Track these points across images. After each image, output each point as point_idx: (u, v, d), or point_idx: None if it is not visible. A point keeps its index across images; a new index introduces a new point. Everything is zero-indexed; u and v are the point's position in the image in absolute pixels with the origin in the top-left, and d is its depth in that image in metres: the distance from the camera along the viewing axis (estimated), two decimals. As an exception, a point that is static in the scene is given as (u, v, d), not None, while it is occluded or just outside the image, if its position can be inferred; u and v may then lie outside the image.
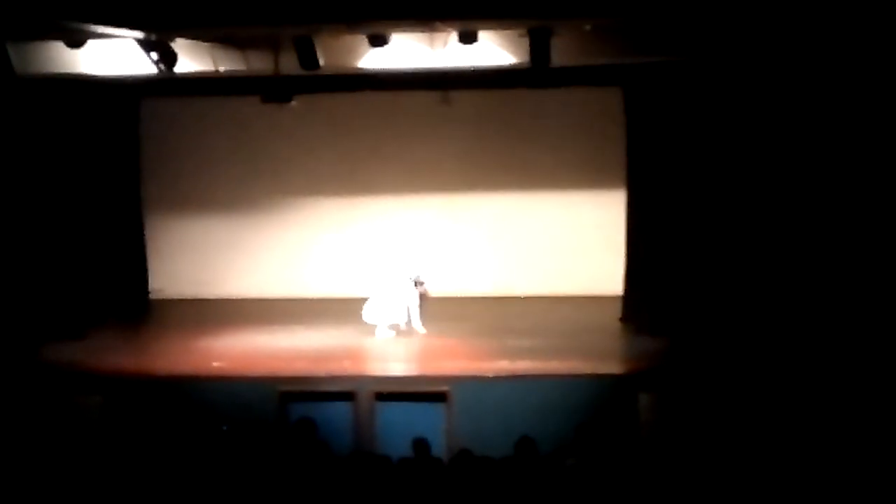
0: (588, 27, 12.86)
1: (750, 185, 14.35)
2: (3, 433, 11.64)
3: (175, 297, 17.64)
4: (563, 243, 17.23)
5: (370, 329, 14.91)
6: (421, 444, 9.95)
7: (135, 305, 17.13)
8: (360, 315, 14.87)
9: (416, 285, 14.78)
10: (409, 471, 9.66)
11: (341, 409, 12.51)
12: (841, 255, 13.46)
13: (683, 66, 13.86)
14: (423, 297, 14.80)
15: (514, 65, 13.36)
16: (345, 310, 16.20)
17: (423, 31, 13.00)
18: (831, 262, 13.68)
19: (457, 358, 13.56)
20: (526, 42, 12.75)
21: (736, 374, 12.33)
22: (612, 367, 13.23)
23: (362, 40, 13.02)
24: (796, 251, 14.01)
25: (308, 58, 12.89)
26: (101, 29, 11.92)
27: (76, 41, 13.01)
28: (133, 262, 17.42)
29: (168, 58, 12.96)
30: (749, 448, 10.65)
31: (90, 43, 13.05)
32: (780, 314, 13.67)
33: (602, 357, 13.52)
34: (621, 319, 15.46)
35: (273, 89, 13.95)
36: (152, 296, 17.74)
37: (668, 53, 13.26)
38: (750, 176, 14.35)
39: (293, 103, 14.21)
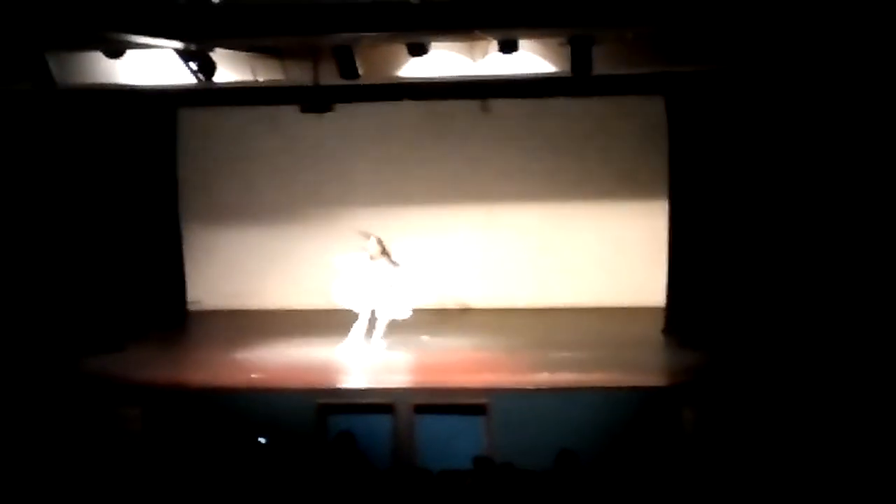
0: (630, 35, 12.74)
1: (794, 196, 14.22)
2: (45, 445, 11.66)
3: (213, 308, 17.62)
4: (604, 254, 17.07)
5: (411, 340, 14.85)
6: (483, 462, 9.84)
7: (173, 317, 17.12)
8: (398, 326, 14.79)
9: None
10: (447, 484, 9.57)
11: (380, 421, 12.43)
12: (891, 269, 13.29)
13: (726, 74, 13.74)
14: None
15: (555, 73, 13.27)
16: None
17: (463, 41, 12.93)
18: (880, 276, 13.52)
19: (497, 370, 13.46)
20: (567, 51, 12.65)
21: (782, 388, 12.15)
22: (655, 380, 13.09)
23: (402, 49, 12.97)
24: (843, 264, 13.85)
25: (347, 67, 12.83)
26: (140, 39, 11.91)
27: (116, 51, 13.02)
28: (171, 273, 17.41)
29: (207, 68, 12.94)
30: (796, 464, 10.50)
31: (129, 53, 13.06)
32: (827, 326, 13.49)
33: (644, 370, 13.37)
34: (664, 331, 15.28)
35: (312, 99, 13.92)
36: (190, 307, 17.73)
37: (710, 62, 13.14)
38: (794, 187, 14.21)
39: (332, 113, 14.17)
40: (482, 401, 12.42)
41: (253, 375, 13.48)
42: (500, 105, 16.23)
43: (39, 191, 15.35)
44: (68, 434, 12.13)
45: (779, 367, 12.83)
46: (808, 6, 11.50)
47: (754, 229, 14.43)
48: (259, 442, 11.01)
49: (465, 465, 9.92)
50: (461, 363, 14.00)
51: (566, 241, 17.33)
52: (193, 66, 12.87)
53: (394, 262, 14.53)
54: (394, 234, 17.32)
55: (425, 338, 15.14)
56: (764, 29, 12.34)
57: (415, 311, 16.20)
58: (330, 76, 13.26)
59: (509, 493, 9.24)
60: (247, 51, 13.43)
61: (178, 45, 12.41)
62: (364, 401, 12.57)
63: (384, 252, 14.51)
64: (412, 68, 13.34)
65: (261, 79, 13.75)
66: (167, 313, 16.93)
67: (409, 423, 12.49)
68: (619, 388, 12.49)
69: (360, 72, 12.88)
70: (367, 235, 14.59)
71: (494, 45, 12.64)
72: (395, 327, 14.77)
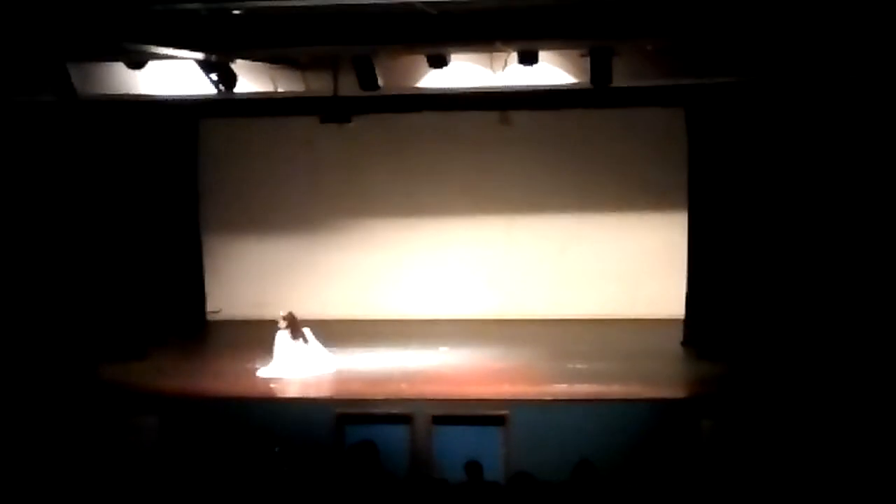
0: (650, 47, 12.73)
1: (814, 209, 14.17)
2: (61, 452, 11.70)
3: (232, 318, 17.66)
4: (623, 265, 17.05)
5: (430, 351, 14.87)
6: (473, 467, 9.84)
7: (192, 326, 17.17)
8: (417, 337, 14.79)
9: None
10: (465, 494, 9.56)
11: (398, 431, 12.41)
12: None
13: (746, 86, 13.72)
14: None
15: (575, 85, 13.27)
16: (402, 332, 16.19)
17: (482, 52, 12.94)
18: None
19: (515, 381, 13.43)
20: (586, 62, 12.65)
21: (801, 400, 12.09)
22: (674, 392, 13.02)
23: (422, 61, 12.99)
24: (863, 277, 13.79)
25: (367, 78, 12.87)
26: (161, 50, 11.97)
27: (137, 62, 13.09)
28: (191, 282, 17.48)
29: (227, 78, 12.99)
30: (814, 476, 10.46)
31: (150, 64, 13.12)
32: (847, 339, 13.43)
33: (663, 381, 13.31)
34: (683, 343, 15.23)
35: (332, 110, 13.95)
36: (210, 317, 17.78)
37: (730, 74, 13.13)
38: (814, 199, 14.17)
39: (352, 124, 14.20)
40: (501, 412, 12.39)
41: (271, 385, 13.50)
42: (519, 116, 16.22)
43: (62, 200, 15.44)
44: (85, 442, 12.16)
45: (797, 378, 12.77)
46: (828, 19, 11.48)
47: (773, 241, 14.39)
48: (274, 451, 11.01)
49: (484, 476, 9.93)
50: (480, 374, 13.98)
51: (585, 252, 17.30)
52: (214, 76, 12.92)
53: (297, 335, 14.05)
54: (412, 245, 17.45)
55: (443, 348, 15.15)
56: (784, 41, 12.32)
57: (433, 321, 16.32)
58: (350, 87, 13.30)
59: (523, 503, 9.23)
60: (267, 62, 13.47)
61: (200, 55, 12.47)
62: (382, 411, 12.56)
63: (292, 325, 14.08)
64: (432, 79, 13.35)
65: (281, 89, 13.79)
66: (186, 323, 16.99)
67: (428, 433, 12.46)
68: (638, 400, 12.45)
69: (380, 83, 12.91)
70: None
71: (514, 56, 12.65)
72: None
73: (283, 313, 14.09)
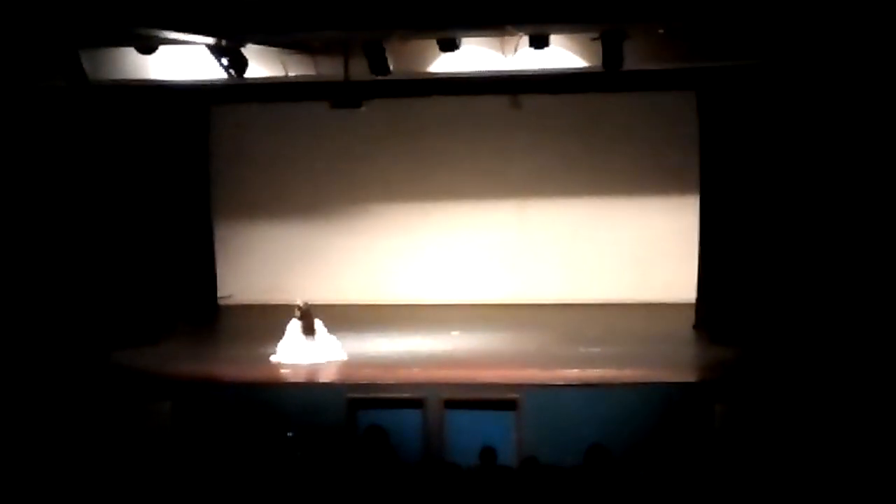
0: (661, 30, 12.69)
1: (826, 192, 14.15)
2: (75, 438, 11.73)
3: (244, 303, 17.70)
4: (635, 250, 17.05)
5: (441, 335, 14.88)
6: (488, 453, 9.84)
7: (204, 311, 17.21)
8: (429, 321, 14.79)
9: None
10: (478, 479, 9.57)
11: (410, 416, 12.43)
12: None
13: (758, 69, 13.68)
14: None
15: (586, 68, 13.23)
16: (414, 316, 16.20)
17: (493, 36, 12.91)
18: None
19: (527, 365, 13.43)
20: (598, 46, 12.61)
21: (813, 384, 12.08)
22: (686, 376, 13.00)
23: (433, 45, 12.96)
24: (875, 261, 13.77)
25: (378, 63, 12.84)
26: (172, 35, 11.96)
27: (148, 47, 13.10)
28: (202, 268, 17.52)
29: (238, 63, 12.98)
30: (827, 461, 10.45)
31: (161, 49, 13.12)
32: (859, 323, 13.41)
33: (675, 365, 13.32)
34: (695, 327, 15.24)
35: (343, 95, 13.91)
36: (221, 302, 17.81)
37: (742, 57, 13.08)
38: (826, 182, 14.14)
39: (363, 109, 14.18)
40: (513, 396, 12.40)
41: (283, 370, 13.52)
42: (530, 100, 16.19)
43: (73, 186, 15.47)
44: (99, 428, 12.20)
45: (810, 362, 12.75)
46: (840, 1, 11.44)
47: (785, 225, 14.37)
48: (287, 436, 11.03)
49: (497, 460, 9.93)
50: (492, 358, 13.99)
51: (597, 236, 17.31)
52: (225, 61, 12.91)
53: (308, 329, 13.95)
54: (424, 230, 17.45)
55: (455, 333, 15.16)
56: (796, 24, 12.27)
57: (445, 306, 16.31)
58: (360, 72, 13.28)
59: (536, 487, 9.23)
60: (278, 46, 13.46)
61: (210, 40, 12.45)
62: (394, 396, 12.57)
63: (305, 318, 13.96)
64: (443, 64, 13.33)
65: (292, 74, 13.78)
66: (198, 308, 17.03)
67: (440, 417, 12.48)
68: (650, 384, 12.44)
69: (391, 67, 12.89)
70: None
71: (525, 40, 12.62)
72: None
73: (299, 303, 14.04)
